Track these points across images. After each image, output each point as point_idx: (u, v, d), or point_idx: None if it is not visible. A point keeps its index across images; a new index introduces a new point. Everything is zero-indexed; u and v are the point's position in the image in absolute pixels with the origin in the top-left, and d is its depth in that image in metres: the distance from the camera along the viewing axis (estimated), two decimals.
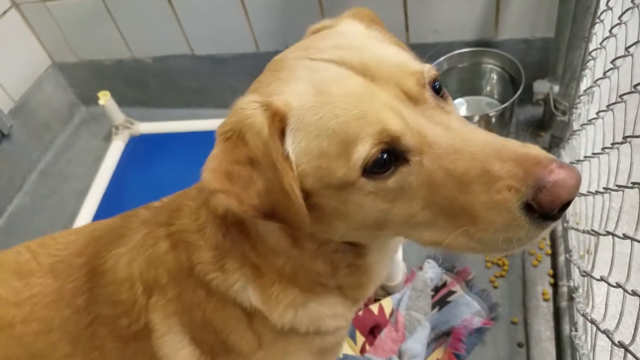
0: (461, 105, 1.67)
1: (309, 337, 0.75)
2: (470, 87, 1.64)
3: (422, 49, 1.63)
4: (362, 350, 1.25)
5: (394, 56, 0.58)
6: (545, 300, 1.25)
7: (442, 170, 0.53)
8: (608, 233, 0.92)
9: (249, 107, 0.57)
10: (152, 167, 1.89)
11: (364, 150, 0.52)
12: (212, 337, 0.75)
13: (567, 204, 0.50)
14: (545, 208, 0.50)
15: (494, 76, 1.59)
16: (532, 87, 1.49)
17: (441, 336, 1.26)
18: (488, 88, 1.63)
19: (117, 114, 1.99)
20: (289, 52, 0.64)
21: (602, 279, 0.92)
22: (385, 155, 0.54)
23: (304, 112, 0.56)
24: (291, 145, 0.57)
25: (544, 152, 0.52)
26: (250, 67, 1.85)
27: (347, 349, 1.22)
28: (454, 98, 1.68)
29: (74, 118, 2.24)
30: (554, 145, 1.48)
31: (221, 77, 1.94)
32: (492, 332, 1.26)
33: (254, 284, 0.71)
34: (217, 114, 2.01)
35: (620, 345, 0.80)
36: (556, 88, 1.45)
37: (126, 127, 2.02)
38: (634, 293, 0.78)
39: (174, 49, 1.91)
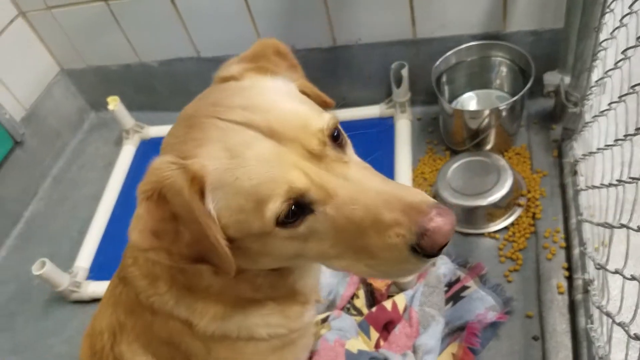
0: (471, 100, 1.68)
1: (250, 341, 0.83)
2: (479, 80, 1.65)
3: (428, 43, 1.64)
4: (377, 346, 1.27)
5: (297, 117, 0.64)
6: (560, 293, 1.26)
7: (343, 218, 0.62)
8: (622, 226, 0.93)
9: (167, 168, 0.62)
10: None
11: (275, 207, 0.60)
12: (168, 350, 0.84)
13: (445, 245, 0.62)
14: (426, 250, 0.61)
15: (504, 69, 1.59)
16: (542, 79, 1.49)
17: (455, 331, 1.28)
18: (498, 81, 1.64)
19: (126, 119, 2.02)
20: (199, 107, 0.69)
21: (617, 272, 0.93)
22: (293, 208, 0.62)
23: (221, 173, 0.62)
24: (211, 203, 0.63)
25: (427, 198, 0.63)
26: None
27: (361, 344, 1.24)
28: (463, 92, 1.69)
29: (84, 124, 2.29)
30: (566, 137, 1.48)
31: None
32: (507, 326, 1.27)
33: (183, 301, 0.79)
34: None
35: (636, 337, 0.81)
36: (567, 79, 1.45)
37: (136, 131, 2.06)
38: None
39: (179, 52, 1.94)
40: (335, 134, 0.67)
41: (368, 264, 0.65)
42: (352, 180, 0.63)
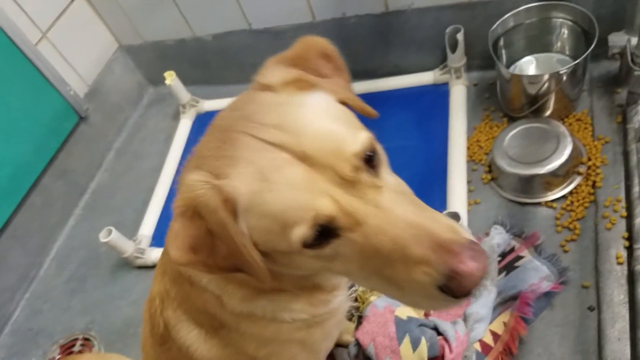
0: (530, 64, 1.65)
1: (274, 321, 0.87)
2: (539, 43, 1.61)
3: (484, 6, 1.62)
4: (426, 314, 1.31)
5: (331, 140, 0.64)
6: (619, 263, 1.25)
7: (370, 246, 0.63)
8: None
9: (201, 186, 0.64)
10: None
11: (301, 232, 0.62)
12: (205, 316, 0.89)
13: (475, 289, 0.61)
14: (454, 292, 0.60)
15: (565, 31, 1.55)
16: (607, 40, 1.44)
17: (508, 300, 1.30)
18: (559, 44, 1.59)
19: (183, 93, 2.13)
20: (234, 120, 0.70)
21: None
22: (320, 231, 0.63)
23: (250, 196, 0.64)
24: (243, 222, 0.65)
25: (460, 235, 0.61)
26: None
27: (410, 311, 1.29)
28: (522, 57, 1.66)
29: (144, 98, 2.42)
30: (632, 101, 1.43)
31: (279, 50, 1.99)
32: (562, 296, 1.28)
33: (214, 281, 0.84)
34: None
35: None
36: (634, 40, 1.39)
37: (192, 105, 2.16)
38: None
39: (232, 25, 2.00)
40: (370, 153, 0.66)
41: (395, 294, 0.67)
42: (383, 209, 0.63)
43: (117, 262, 1.84)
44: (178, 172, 1.95)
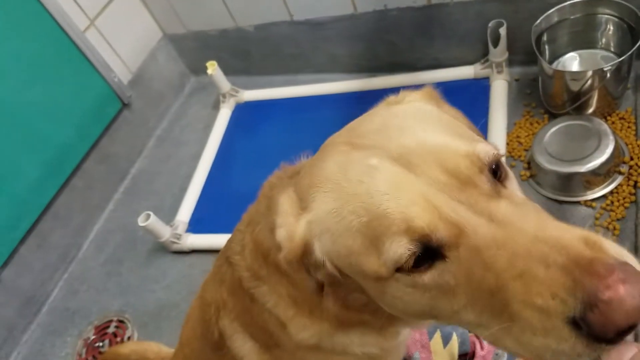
0: (573, 60, 1.65)
1: (341, 355, 0.84)
2: (583, 40, 1.62)
3: (529, 0, 1.62)
4: None
5: (440, 139, 0.55)
6: None
7: (481, 264, 0.50)
8: None
9: (280, 227, 0.65)
10: (256, 132, 2.11)
11: (393, 252, 0.52)
12: (262, 333, 0.89)
13: (629, 329, 0.43)
14: (595, 330, 0.43)
15: (611, 27, 1.55)
16: None
17: None
18: (603, 40, 1.60)
19: (223, 83, 2.21)
20: (339, 135, 0.68)
21: None
22: (421, 252, 0.52)
23: (325, 217, 0.60)
24: (319, 249, 0.62)
25: (609, 252, 0.46)
26: (346, 29, 1.97)
27: None
28: (565, 52, 1.67)
29: (185, 87, 2.52)
30: None
31: (318, 41, 2.07)
32: None
33: (285, 310, 0.79)
34: (314, 79, 2.18)
35: None
36: None
37: (232, 95, 2.24)
38: None
39: (274, 16, 2.07)
40: (494, 167, 0.56)
41: (508, 330, 0.50)
42: (498, 220, 0.51)
43: (154, 246, 1.94)
44: (216, 160, 2.06)
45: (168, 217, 1.93)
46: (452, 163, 0.53)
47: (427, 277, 0.53)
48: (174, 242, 1.85)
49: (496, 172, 0.56)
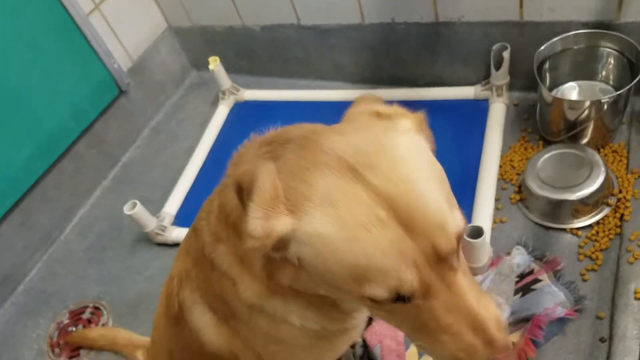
0: (572, 90, 1.72)
1: (284, 323, 0.89)
2: (584, 70, 1.69)
3: (535, 27, 1.70)
4: None
5: (437, 212, 0.64)
6: (637, 299, 1.30)
7: (432, 317, 0.68)
8: None
9: (255, 218, 0.64)
10: (253, 132, 2.13)
11: (376, 292, 0.64)
12: (220, 304, 0.93)
13: None
14: None
15: (611, 61, 1.62)
16: None
17: (520, 321, 1.36)
18: (603, 73, 1.66)
19: (224, 80, 2.26)
20: (339, 144, 0.67)
21: None
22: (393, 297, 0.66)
23: (317, 239, 0.64)
24: (294, 253, 0.67)
25: (504, 335, 0.70)
26: (353, 38, 2.03)
27: None
28: (566, 82, 1.73)
29: (185, 81, 2.58)
30: None
31: (324, 48, 2.13)
32: (575, 324, 1.34)
33: (234, 269, 0.86)
34: (317, 85, 2.23)
35: None
36: None
37: (232, 92, 2.29)
38: None
39: (281, 18, 2.13)
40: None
41: (421, 346, 0.75)
42: (455, 290, 0.67)
43: (138, 236, 1.97)
44: (209, 156, 2.10)
45: (156, 208, 1.97)
46: (443, 242, 0.64)
47: (388, 306, 0.68)
48: (159, 234, 1.89)
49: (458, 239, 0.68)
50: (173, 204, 1.99)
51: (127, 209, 1.79)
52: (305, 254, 0.66)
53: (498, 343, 0.69)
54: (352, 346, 1.42)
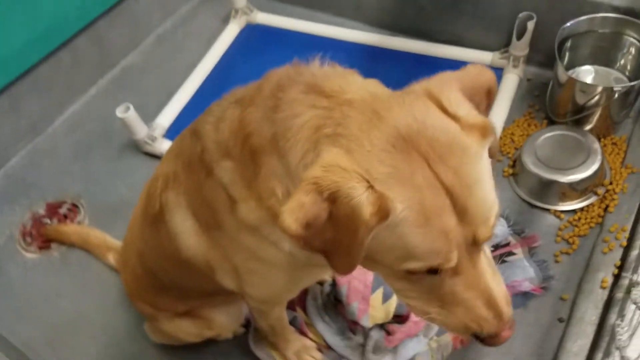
0: (588, 74, 1.74)
1: (273, 245, 0.91)
2: (603, 56, 1.70)
3: (565, 2, 1.69)
4: None
5: (486, 208, 0.72)
6: (602, 287, 1.37)
7: (452, 291, 0.76)
8: None
9: (357, 182, 0.65)
10: (259, 57, 2.15)
11: (417, 266, 0.71)
12: (206, 212, 0.95)
13: None
14: (485, 344, 0.81)
15: (632, 51, 1.63)
16: None
17: None
18: (622, 62, 1.68)
19: None
20: (414, 132, 0.69)
21: None
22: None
23: (402, 221, 0.68)
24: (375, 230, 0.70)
25: (510, 311, 0.79)
26: None
27: None
28: (583, 64, 1.75)
29: None
30: None
31: None
32: (538, 300, 1.41)
33: (238, 188, 0.87)
34: (334, 21, 2.21)
35: None
36: None
37: (245, 12, 2.27)
38: None
39: None
40: None
41: (427, 310, 0.81)
42: (477, 270, 0.75)
43: (127, 142, 2.00)
44: (211, 74, 2.10)
45: (148, 118, 1.98)
46: (484, 233, 0.72)
47: (415, 277, 0.75)
48: (148, 144, 1.91)
49: None
50: (167, 117, 2.00)
51: (119, 112, 1.80)
52: (380, 230, 0.68)
53: (506, 317, 0.78)
54: (321, 283, 1.49)
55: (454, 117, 0.72)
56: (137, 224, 1.21)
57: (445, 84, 0.76)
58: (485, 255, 0.77)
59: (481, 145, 0.73)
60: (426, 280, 0.76)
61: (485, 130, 0.73)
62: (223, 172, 0.87)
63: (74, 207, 1.88)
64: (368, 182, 0.66)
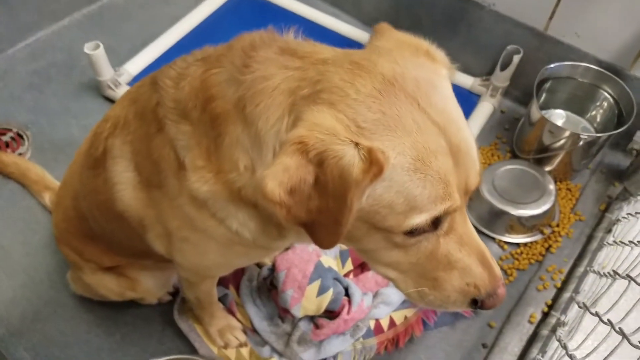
0: (560, 118, 1.82)
1: (218, 222, 0.87)
2: (576, 105, 1.79)
3: (554, 44, 1.78)
4: (346, 276, 1.47)
5: (475, 152, 0.73)
6: (530, 322, 1.44)
7: (446, 250, 0.75)
8: (628, 276, 1.11)
9: (343, 138, 0.63)
10: (246, 27, 2.09)
11: (422, 220, 0.69)
12: (150, 168, 0.90)
13: None
14: (484, 306, 0.79)
15: (605, 105, 1.72)
16: (633, 134, 1.62)
17: None
18: (593, 113, 1.77)
19: None
20: (401, 76, 0.68)
21: (596, 314, 1.12)
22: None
23: (398, 171, 0.65)
24: (369, 189, 0.67)
25: (500, 270, 0.80)
26: None
27: (334, 265, 1.44)
28: (558, 107, 1.83)
29: None
30: (622, 197, 1.64)
31: None
32: (467, 323, 1.47)
33: (192, 155, 0.81)
34: (330, 10, 2.22)
35: None
36: None
37: None
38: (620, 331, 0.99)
39: None
40: None
41: (422, 292, 0.80)
42: (467, 226, 0.76)
43: (89, 82, 1.95)
44: (194, 32, 2.07)
45: (117, 63, 1.94)
46: (474, 178, 0.73)
47: (413, 240, 0.73)
48: (111, 88, 1.88)
49: None
50: (136, 65, 1.97)
51: (88, 48, 1.76)
52: (377, 187, 0.66)
53: (498, 273, 0.78)
54: (260, 266, 1.49)
55: (428, 56, 0.74)
56: (79, 161, 1.16)
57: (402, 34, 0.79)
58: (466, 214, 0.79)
59: (451, 88, 0.74)
60: (423, 244, 0.74)
61: (450, 67, 0.77)
62: (179, 135, 0.82)
63: (18, 137, 1.81)
64: (357, 137, 0.63)
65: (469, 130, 0.72)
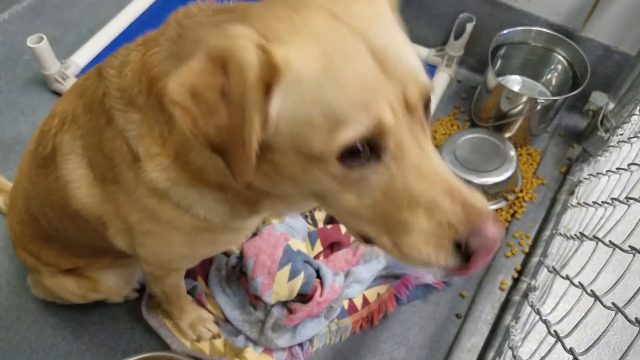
0: (516, 84, 1.76)
1: (182, 211, 0.82)
2: (532, 69, 1.73)
3: (505, 10, 1.70)
4: (316, 258, 1.39)
5: (410, 59, 0.62)
6: (501, 289, 1.39)
7: (403, 183, 0.61)
8: (595, 237, 1.06)
9: (244, 41, 0.57)
10: None
11: (350, 135, 0.58)
12: (103, 163, 0.84)
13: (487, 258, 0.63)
14: (470, 250, 0.60)
15: (559, 68, 1.66)
16: (589, 95, 1.57)
17: (391, 277, 1.41)
18: (548, 76, 1.71)
19: None
20: None
21: (567, 277, 1.07)
22: (361, 146, 0.59)
23: (306, 77, 0.58)
24: (277, 101, 0.59)
25: (488, 205, 0.63)
26: None
27: (303, 248, 1.36)
28: (512, 73, 1.77)
29: None
30: (582, 159, 1.59)
31: None
32: (439, 294, 1.41)
33: (145, 143, 0.76)
34: None
35: (556, 335, 0.95)
36: (611, 106, 1.53)
37: None
38: (592, 293, 0.94)
39: None
40: (427, 103, 0.65)
41: (397, 241, 0.64)
42: (426, 153, 0.61)
43: (35, 76, 1.80)
44: (142, 17, 1.93)
45: (63, 54, 1.80)
46: (413, 91, 0.60)
47: (356, 172, 0.61)
48: (58, 81, 1.74)
49: (427, 105, 0.65)
50: (83, 56, 1.82)
51: (31, 41, 1.62)
52: (288, 101, 0.59)
53: (478, 205, 0.61)
54: (227, 255, 1.41)
55: None
56: (27, 161, 1.05)
57: None
58: (433, 147, 0.64)
59: (390, 10, 0.66)
60: (372, 179, 0.61)
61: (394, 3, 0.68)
62: (128, 125, 0.76)
63: None
64: (260, 45, 0.57)
65: (407, 44, 0.63)
